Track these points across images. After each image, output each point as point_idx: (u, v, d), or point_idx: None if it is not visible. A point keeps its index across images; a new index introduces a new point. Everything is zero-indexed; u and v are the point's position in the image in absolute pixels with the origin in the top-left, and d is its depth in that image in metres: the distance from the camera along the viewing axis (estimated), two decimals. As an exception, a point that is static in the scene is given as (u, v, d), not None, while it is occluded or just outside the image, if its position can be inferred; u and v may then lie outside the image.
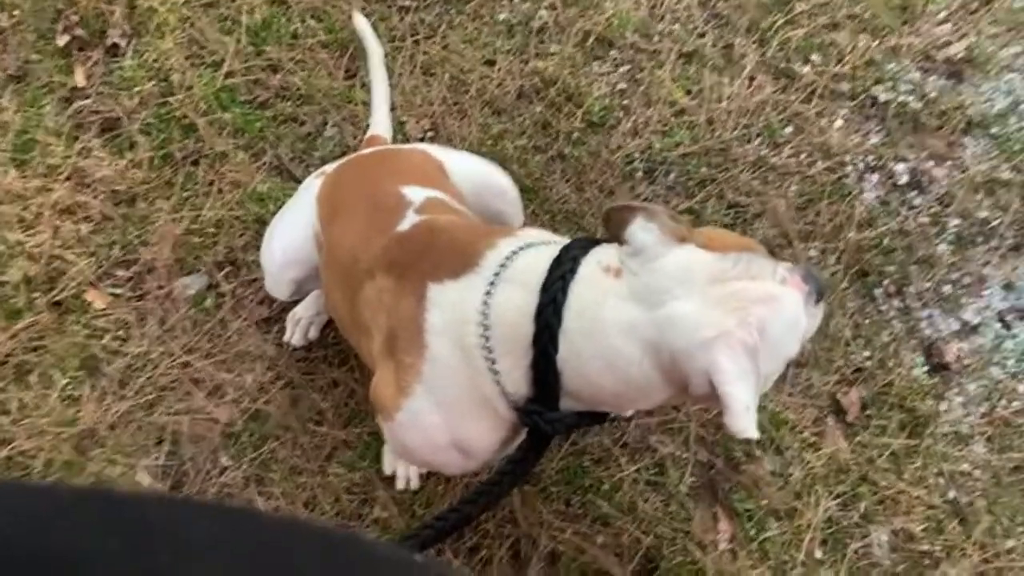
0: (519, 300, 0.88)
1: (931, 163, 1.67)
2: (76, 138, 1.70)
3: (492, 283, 0.90)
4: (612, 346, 0.84)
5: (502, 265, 0.91)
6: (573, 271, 0.87)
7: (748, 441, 1.41)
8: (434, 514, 1.29)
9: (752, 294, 0.83)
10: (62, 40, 1.79)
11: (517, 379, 0.89)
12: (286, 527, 0.51)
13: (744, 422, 0.78)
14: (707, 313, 0.82)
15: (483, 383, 0.91)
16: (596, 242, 0.91)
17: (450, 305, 0.92)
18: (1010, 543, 1.34)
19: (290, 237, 1.28)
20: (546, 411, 0.90)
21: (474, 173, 1.33)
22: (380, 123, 1.55)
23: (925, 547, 1.34)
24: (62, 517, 0.38)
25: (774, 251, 1.57)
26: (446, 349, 0.92)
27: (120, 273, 1.58)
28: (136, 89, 1.74)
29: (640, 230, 0.86)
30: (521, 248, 0.93)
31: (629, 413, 1.43)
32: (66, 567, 0.33)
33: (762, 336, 0.81)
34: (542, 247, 0.93)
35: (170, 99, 1.73)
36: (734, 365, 0.79)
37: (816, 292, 0.90)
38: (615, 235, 0.89)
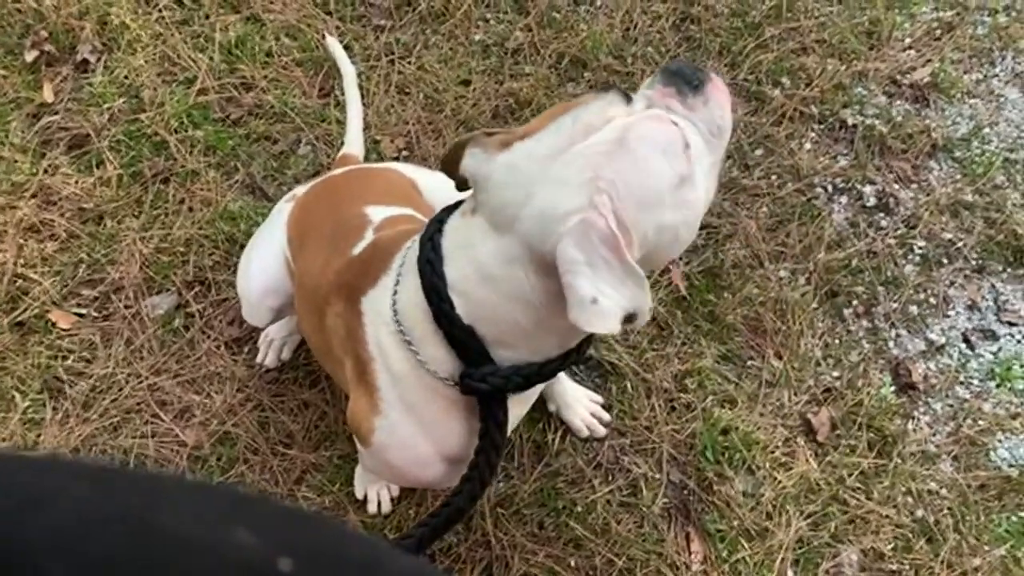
0: (411, 283, 0.87)
1: (898, 185, 1.70)
2: (43, 155, 1.68)
3: (397, 280, 0.90)
4: (497, 278, 0.81)
5: (403, 261, 0.91)
6: (440, 230, 0.85)
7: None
8: (428, 512, 1.28)
9: (593, 151, 0.75)
10: (30, 55, 1.77)
11: (442, 357, 0.87)
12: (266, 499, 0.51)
13: (586, 314, 0.73)
14: (555, 200, 0.75)
15: (424, 377, 0.90)
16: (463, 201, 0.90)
17: (376, 313, 0.92)
18: (976, 561, 1.35)
19: (266, 265, 1.27)
20: (475, 371, 0.86)
21: (447, 192, 1.32)
22: (353, 142, 1.55)
23: (894, 566, 1.35)
24: (31, 469, 0.37)
25: (744, 271, 1.59)
26: (390, 357, 0.91)
27: (86, 292, 1.55)
28: (106, 105, 1.72)
29: (469, 161, 0.83)
30: (415, 239, 0.92)
31: (603, 432, 1.43)
32: (36, 503, 0.33)
33: (620, 196, 0.74)
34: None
35: (141, 116, 1.71)
36: (581, 254, 0.73)
37: (686, 84, 0.80)
38: (459, 180, 0.86)
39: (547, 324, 0.82)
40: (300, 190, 1.31)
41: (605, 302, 0.73)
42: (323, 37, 1.76)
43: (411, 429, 0.94)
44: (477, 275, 0.82)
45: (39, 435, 1.43)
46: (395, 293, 0.89)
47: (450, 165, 0.86)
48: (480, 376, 0.86)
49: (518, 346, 0.85)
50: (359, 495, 1.38)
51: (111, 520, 0.33)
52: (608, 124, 0.77)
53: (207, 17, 1.82)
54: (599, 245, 0.74)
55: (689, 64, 0.82)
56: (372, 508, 1.37)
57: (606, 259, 0.74)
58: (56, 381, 1.47)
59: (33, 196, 1.63)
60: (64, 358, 1.49)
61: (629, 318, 0.76)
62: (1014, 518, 1.39)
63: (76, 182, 1.64)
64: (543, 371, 0.88)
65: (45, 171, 1.65)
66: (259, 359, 1.48)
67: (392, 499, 1.38)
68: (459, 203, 0.89)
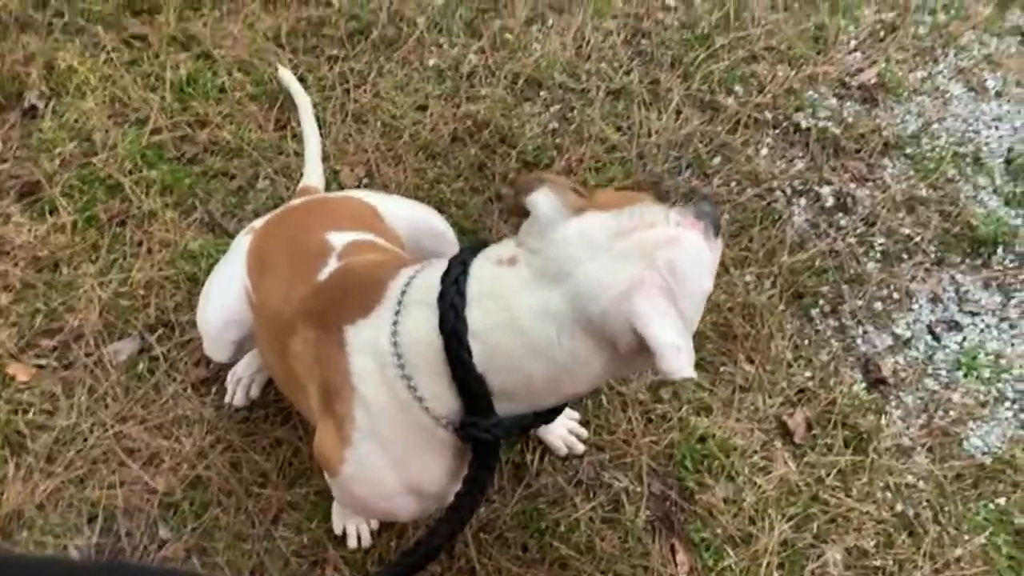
0: (423, 319, 0.87)
1: (854, 185, 1.73)
2: (-7, 204, 1.64)
3: (398, 311, 0.89)
4: (526, 331, 0.83)
5: (403, 292, 0.91)
6: (465, 273, 0.87)
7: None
8: (401, 550, 1.26)
9: (653, 240, 0.83)
10: (-24, 104, 1.73)
11: (445, 399, 0.88)
12: None
13: (676, 362, 0.77)
14: (616, 268, 0.81)
15: (415, 414, 0.89)
16: (485, 244, 0.92)
17: (366, 343, 0.91)
18: (958, 551, 1.36)
19: (226, 298, 1.25)
20: (480, 420, 0.88)
21: (409, 216, 1.32)
22: (312, 173, 1.54)
23: (878, 562, 1.36)
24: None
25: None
26: (373, 389, 0.90)
27: (44, 343, 1.51)
28: (57, 151, 1.69)
29: (542, 197, 0.86)
30: (419, 271, 0.93)
31: (581, 449, 1.42)
32: None
33: (674, 276, 0.81)
34: (437, 264, 0.92)
35: (93, 159, 1.68)
36: (652, 307, 0.79)
37: (712, 226, 0.90)
38: (516, 203, 0.89)
39: (557, 383, 0.86)
40: (259, 223, 1.30)
41: (684, 347, 0.78)
42: (276, 70, 1.75)
43: (381, 463, 0.93)
44: (507, 325, 0.84)
45: (2, 492, 1.38)
46: (395, 324, 0.89)
47: (519, 187, 0.90)
48: (485, 427, 0.88)
49: (520, 400, 0.88)
50: (337, 530, 1.35)
51: None
52: (661, 224, 0.85)
53: (157, 56, 1.80)
54: (663, 298, 0.79)
55: (716, 211, 0.93)
56: (352, 543, 1.34)
57: (670, 311, 0.79)
58: (17, 436, 1.43)
59: (-15, 247, 1.59)
60: (25, 412, 1.45)
61: None
62: (991, 505, 1.41)
63: (29, 230, 1.61)
64: (535, 422, 0.93)
65: (-4, 221, 1.61)
66: (227, 399, 1.45)
67: (372, 532, 1.35)
68: (481, 246, 0.91)
